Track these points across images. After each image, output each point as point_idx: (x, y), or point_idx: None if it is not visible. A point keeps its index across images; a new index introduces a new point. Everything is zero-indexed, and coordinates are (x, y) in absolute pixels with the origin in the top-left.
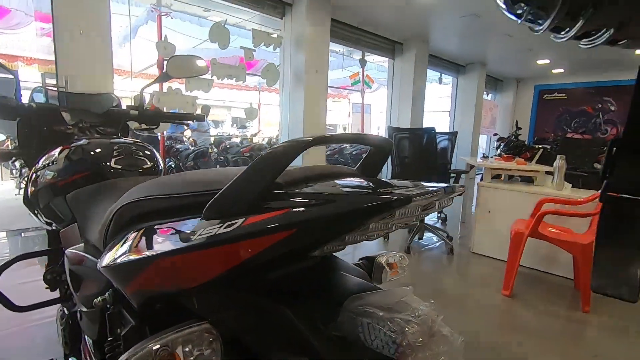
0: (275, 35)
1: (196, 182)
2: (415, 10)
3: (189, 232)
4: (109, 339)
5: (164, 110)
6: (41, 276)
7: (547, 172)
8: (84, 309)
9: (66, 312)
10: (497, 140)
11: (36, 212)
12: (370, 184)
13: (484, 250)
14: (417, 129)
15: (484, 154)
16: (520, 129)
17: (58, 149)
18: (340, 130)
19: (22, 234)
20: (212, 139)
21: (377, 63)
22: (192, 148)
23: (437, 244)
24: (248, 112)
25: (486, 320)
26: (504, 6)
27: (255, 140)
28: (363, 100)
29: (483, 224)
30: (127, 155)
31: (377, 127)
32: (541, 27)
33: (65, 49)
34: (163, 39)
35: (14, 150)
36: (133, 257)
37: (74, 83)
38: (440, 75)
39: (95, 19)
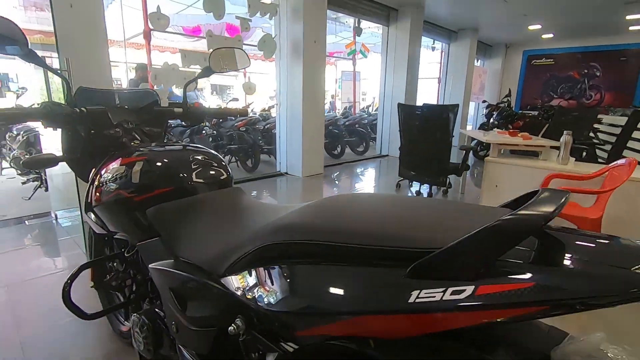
0: (269, 2)
1: (369, 234)
2: None
3: (394, 289)
4: None
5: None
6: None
7: (552, 147)
8: (193, 328)
9: (145, 320)
10: (486, 108)
11: (99, 218)
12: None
13: None
14: (432, 106)
15: (482, 124)
16: (510, 95)
17: (119, 160)
18: (327, 99)
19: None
20: None
21: (370, 30)
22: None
23: None
24: (246, 87)
25: None
26: None
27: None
28: (355, 68)
29: (490, 197)
30: (203, 167)
31: (363, 92)
32: None
33: (63, 27)
34: (156, 9)
35: (60, 156)
36: (322, 307)
37: (73, 63)
38: (433, 42)
39: None
